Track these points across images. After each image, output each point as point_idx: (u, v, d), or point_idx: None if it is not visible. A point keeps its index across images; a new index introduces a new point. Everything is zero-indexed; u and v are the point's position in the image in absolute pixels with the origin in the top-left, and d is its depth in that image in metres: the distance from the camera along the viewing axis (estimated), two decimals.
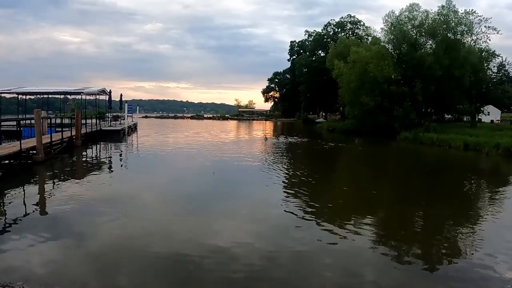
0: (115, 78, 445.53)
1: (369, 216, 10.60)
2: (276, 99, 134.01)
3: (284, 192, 13.63)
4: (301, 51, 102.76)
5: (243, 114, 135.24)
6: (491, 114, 68.19)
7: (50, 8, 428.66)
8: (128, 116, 41.38)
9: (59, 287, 5.93)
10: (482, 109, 55.56)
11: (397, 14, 46.66)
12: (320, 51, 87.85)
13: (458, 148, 31.00)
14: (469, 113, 51.49)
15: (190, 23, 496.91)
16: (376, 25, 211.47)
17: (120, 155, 24.45)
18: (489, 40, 46.21)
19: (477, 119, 54.33)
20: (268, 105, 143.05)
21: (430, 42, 46.53)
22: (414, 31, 45.86)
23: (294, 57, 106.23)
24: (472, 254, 8.04)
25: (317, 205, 11.91)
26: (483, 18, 45.24)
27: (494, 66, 55.27)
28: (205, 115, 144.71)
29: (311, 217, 10.38)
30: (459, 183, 17.95)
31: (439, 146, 33.08)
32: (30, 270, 6.59)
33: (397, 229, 10.03)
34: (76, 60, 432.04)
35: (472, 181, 18.70)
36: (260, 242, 8.39)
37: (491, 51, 49.42)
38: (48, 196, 12.43)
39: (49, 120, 26.54)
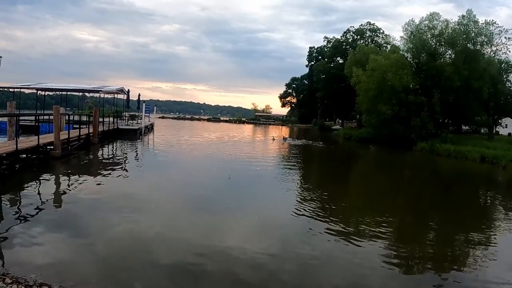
0: (132, 77, 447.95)
1: (381, 226, 10.51)
2: (293, 105, 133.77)
3: (297, 197, 13.62)
4: (320, 57, 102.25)
5: (259, 118, 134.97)
6: (509, 126, 67.04)
7: (68, 5, 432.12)
8: (145, 116, 41.69)
9: (72, 282, 6.02)
10: (500, 121, 54.85)
11: (417, 23, 46.26)
12: (338, 58, 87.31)
13: (474, 160, 30.69)
14: (487, 125, 50.91)
15: (207, 26, 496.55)
16: (393, 33, 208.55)
17: (136, 154, 24.68)
18: (509, 51, 45.71)
19: (494, 132, 53.65)
20: (285, 110, 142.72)
21: (450, 52, 45.97)
22: (434, 40, 45.36)
23: (313, 63, 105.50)
24: (486, 268, 7.97)
25: (328, 212, 11.90)
26: (504, 29, 44.75)
27: None
28: (222, 118, 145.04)
29: (322, 224, 10.33)
30: (475, 195, 17.77)
31: (456, 158, 32.76)
32: (43, 263, 6.68)
33: (409, 240, 9.96)
34: (94, 58, 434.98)
35: (488, 194, 18.49)
36: (268, 247, 8.43)
37: (510, 63, 48.88)
38: (63, 191, 12.61)
39: (67, 116, 26.90)
